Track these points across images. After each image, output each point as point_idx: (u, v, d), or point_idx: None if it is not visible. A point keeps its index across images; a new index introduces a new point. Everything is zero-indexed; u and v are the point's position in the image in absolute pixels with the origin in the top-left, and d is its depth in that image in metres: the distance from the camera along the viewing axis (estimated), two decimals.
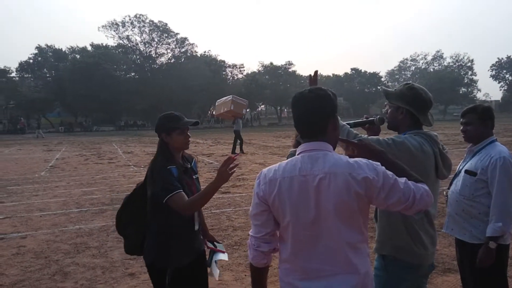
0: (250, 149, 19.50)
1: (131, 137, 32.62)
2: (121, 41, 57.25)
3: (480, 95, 78.50)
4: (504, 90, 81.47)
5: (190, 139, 2.63)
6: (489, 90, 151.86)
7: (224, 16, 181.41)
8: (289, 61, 64.55)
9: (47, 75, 55.61)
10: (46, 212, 7.53)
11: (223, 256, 2.75)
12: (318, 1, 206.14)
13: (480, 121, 2.74)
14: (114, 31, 56.08)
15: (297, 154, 1.66)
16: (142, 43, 57.51)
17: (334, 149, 1.67)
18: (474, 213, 2.70)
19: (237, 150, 17.18)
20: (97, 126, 49.16)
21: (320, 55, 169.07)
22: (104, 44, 57.08)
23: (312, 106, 1.62)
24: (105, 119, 52.72)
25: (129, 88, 49.70)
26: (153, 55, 58.35)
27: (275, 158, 15.23)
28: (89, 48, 56.38)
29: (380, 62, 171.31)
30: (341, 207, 1.54)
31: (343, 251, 1.57)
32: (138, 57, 58.14)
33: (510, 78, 77.90)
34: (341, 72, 74.58)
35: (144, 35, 57.02)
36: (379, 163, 1.58)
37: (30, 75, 56.01)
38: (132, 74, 57.57)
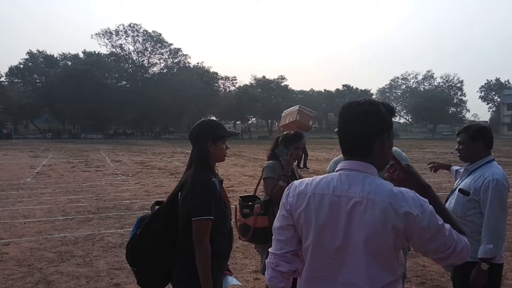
0: (240, 161, 19.45)
1: (120, 146, 32.35)
2: (113, 50, 57.24)
3: (469, 115, 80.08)
4: (492, 111, 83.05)
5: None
6: (477, 110, 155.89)
7: (219, 28, 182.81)
8: (281, 76, 65.13)
9: (37, 80, 55.22)
10: (31, 219, 7.37)
11: (236, 281, 2.48)
12: (312, 17, 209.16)
13: (470, 140, 2.76)
14: (108, 39, 56.06)
15: (336, 171, 1.49)
16: (135, 52, 57.54)
17: (379, 171, 1.48)
18: (467, 231, 2.66)
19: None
20: (85, 134, 48.68)
21: (313, 70, 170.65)
22: (96, 52, 57.03)
23: (357, 122, 1.44)
24: (94, 127, 52.24)
25: (120, 96, 49.51)
26: (146, 65, 58.34)
27: None
28: (81, 55, 56.31)
29: (371, 79, 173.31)
30: (373, 240, 1.35)
31: None
32: (130, 66, 58.08)
33: (498, 99, 79.45)
34: (332, 88, 75.39)
35: (137, 45, 57.11)
36: (427, 200, 1.37)
37: (19, 80, 55.54)
38: (124, 82, 57.47)
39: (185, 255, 2.23)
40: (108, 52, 57.44)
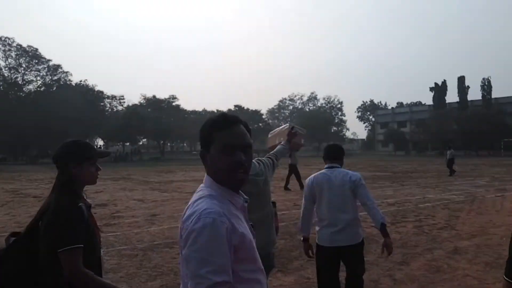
0: (128, 184, 18.51)
1: None
2: None
3: (349, 134, 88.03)
4: (368, 130, 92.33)
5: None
6: (356, 129, 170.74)
7: (104, 44, 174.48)
8: (173, 95, 64.37)
9: None
10: None
11: None
12: (200, 34, 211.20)
13: None
14: None
15: None
16: (6, 68, 51.93)
17: (227, 183, 1.47)
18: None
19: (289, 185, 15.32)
20: None
21: (203, 90, 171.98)
22: None
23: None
24: None
25: None
26: (20, 82, 52.99)
27: (156, 194, 14.65)
28: None
29: (261, 100, 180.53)
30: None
31: None
32: (1, 83, 52.20)
33: (373, 119, 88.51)
34: (225, 108, 76.55)
35: (9, 60, 51.68)
36: (207, 223, 1.31)
37: None
38: None
39: None
40: None
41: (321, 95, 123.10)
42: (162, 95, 69.23)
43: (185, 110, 67.86)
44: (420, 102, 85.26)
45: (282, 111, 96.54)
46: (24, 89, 53.51)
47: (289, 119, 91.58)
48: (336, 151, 3.75)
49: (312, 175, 3.70)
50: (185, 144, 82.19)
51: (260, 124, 72.89)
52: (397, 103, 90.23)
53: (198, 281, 1.25)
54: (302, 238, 3.71)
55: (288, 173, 15.60)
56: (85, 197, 2.16)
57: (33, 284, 1.96)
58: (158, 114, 60.00)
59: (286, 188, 15.21)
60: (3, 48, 50.74)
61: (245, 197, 1.55)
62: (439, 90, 66.56)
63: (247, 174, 1.48)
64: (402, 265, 5.65)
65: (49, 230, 1.93)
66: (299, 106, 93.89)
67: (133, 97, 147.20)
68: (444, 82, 66.51)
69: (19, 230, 2.10)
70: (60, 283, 1.93)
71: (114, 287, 2.04)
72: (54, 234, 1.90)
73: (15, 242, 2.00)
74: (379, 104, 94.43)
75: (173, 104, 64.20)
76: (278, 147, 3.61)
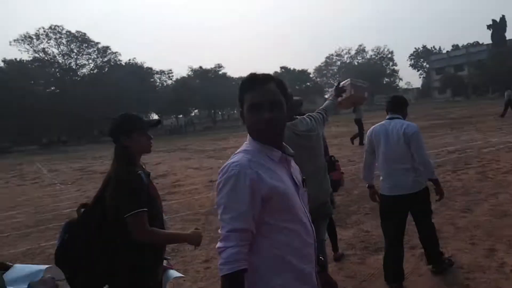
0: (185, 154, 19.16)
1: (56, 154, 30.68)
2: (36, 55, 53.56)
3: (402, 84, 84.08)
4: (423, 77, 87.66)
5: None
6: (410, 78, 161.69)
7: (148, 21, 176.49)
8: (218, 64, 64.54)
9: None
10: None
11: (177, 274, 2.45)
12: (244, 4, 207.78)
13: None
14: (28, 44, 52.36)
15: None
16: (60, 55, 54.34)
17: (257, 137, 1.61)
18: None
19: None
20: (16, 147, 45.51)
21: (249, 55, 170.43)
22: (18, 59, 53.17)
23: None
24: (25, 138, 48.92)
25: (50, 103, 46.69)
26: (74, 67, 55.44)
27: (212, 161, 15.09)
28: (1, 64, 52.30)
29: (308, 58, 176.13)
30: None
31: None
32: (57, 70, 54.88)
33: (427, 66, 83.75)
34: (271, 71, 75.75)
35: (61, 47, 53.90)
36: (228, 184, 1.46)
37: None
38: (52, 88, 54.21)
39: (116, 255, 2.15)
40: (31, 58, 53.73)
41: (369, 47, 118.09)
42: (208, 65, 69.45)
43: (232, 77, 67.99)
44: (477, 42, 79.18)
45: (329, 68, 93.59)
46: (78, 73, 55.96)
47: (337, 76, 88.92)
48: (396, 103, 3.74)
49: (372, 127, 3.77)
50: (235, 111, 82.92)
51: (308, 84, 71.62)
52: (452, 46, 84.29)
53: (223, 225, 1.42)
54: (367, 186, 3.87)
55: (358, 129, 14.96)
56: (143, 167, 2.30)
57: (103, 246, 2.15)
58: (206, 85, 60.71)
59: (352, 141, 14.88)
60: (54, 36, 52.93)
61: (290, 151, 1.59)
62: (498, 27, 61.16)
63: (276, 130, 1.53)
64: (465, 212, 5.50)
65: (113, 199, 2.11)
66: (347, 61, 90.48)
67: (181, 70, 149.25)
68: (502, 18, 60.87)
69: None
70: (126, 246, 2.12)
71: (177, 234, 2.25)
72: (119, 202, 2.08)
73: (85, 212, 2.21)
74: (433, 49, 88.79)
75: (220, 73, 64.48)
76: (326, 102, 3.63)
